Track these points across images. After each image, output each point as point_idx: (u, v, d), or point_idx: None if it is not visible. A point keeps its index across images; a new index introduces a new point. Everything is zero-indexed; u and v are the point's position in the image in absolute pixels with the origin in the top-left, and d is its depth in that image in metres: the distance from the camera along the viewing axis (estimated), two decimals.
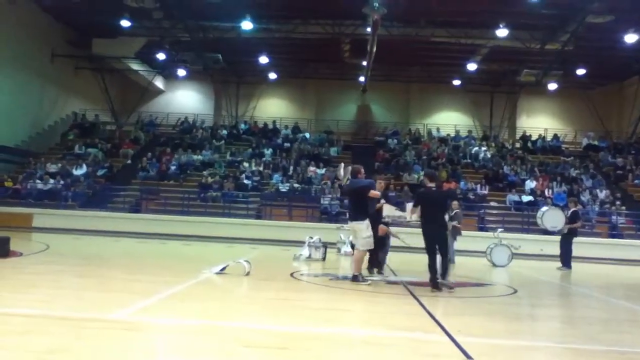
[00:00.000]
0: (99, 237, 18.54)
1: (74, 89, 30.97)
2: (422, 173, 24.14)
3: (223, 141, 29.52)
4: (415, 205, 9.17)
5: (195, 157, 27.36)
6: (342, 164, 10.19)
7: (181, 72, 32.04)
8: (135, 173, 25.99)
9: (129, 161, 27.56)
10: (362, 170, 9.75)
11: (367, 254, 9.77)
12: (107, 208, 23.03)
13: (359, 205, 9.27)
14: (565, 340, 5.83)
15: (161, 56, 29.09)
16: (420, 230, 9.05)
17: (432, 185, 9.41)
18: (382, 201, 9.82)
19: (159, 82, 34.22)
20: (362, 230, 9.18)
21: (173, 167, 26.30)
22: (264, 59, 29.66)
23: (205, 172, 25.67)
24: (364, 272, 9.82)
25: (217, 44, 27.64)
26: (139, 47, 28.66)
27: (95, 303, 6.30)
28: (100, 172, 25.85)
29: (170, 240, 18.63)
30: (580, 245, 15.96)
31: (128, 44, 28.24)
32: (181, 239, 19.22)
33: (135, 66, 31.36)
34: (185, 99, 34.93)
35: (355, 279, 9.13)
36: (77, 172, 25.24)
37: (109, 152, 28.08)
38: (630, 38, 23.03)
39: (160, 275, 9.27)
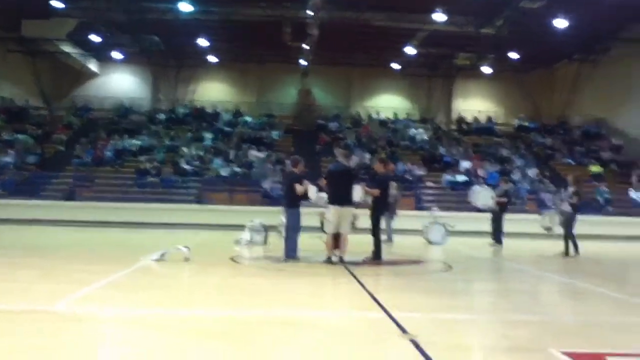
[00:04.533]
0: (31, 227, 17.89)
1: (3, 74, 29.42)
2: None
3: (161, 126, 28.90)
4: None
5: (132, 142, 26.67)
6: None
7: (117, 55, 31.02)
8: (69, 159, 25.12)
9: (62, 147, 26.57)
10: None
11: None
12: (40, 196, 22.18)
13: (349, 190, 9.65)
14: (497, 312, 6.14)
15: (95, 38, 28.02)
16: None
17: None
18: (306, 182, 9.99)
19: (93, 65, 32.97)
20: (350, 214, 9.66)
21: (109, 153, 25.56)
22: (203, 42, 29.05)
23: (142, 158, 25.08)
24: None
25: (155, 26, 26.85)
26: (71, 28, 27.46)
27: (31, 294, 6.13)
28: (30, 159, 24.83)
29: (107, 228, 18.21)
30: (511, 222, 16.64)
31: (60, 26, 26.98)
32: (119, 226, 18.81)
33: (67, 49, 30.07)
34: (121, 83, 33.79)
35: (342, 259, 9.52)
36: (4, 159, 24.11)
37: (40, 138, 26.96)
38: (559, 23, 23.91)
39: (99, 264, 9.09)
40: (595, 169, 26.07)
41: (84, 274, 7.70)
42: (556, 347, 4.14)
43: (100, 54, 32.02)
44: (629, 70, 27.60)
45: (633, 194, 24.02)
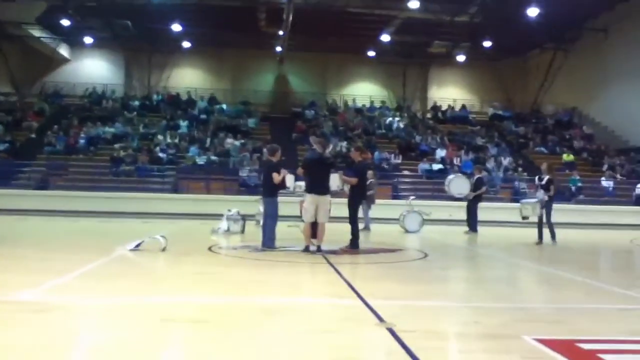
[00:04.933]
0: (3, 216, 17.54)
1: None
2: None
3: (135, 113, 28.51)
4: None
5: (105, 129, 26.26)
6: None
7: (88, 40, 30.42)
8: (41, 147, 24.64)
9: (33, 135, 26.04)
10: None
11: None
12: (11, 185, 21.74)
13: (326, 179, 9.66)
14: (472, 299, 6.23)
15: (65, 22, 27.39)
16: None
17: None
18: (284, 171, 10.00)
19: (64, 50, 32.31)
20: (327, 203, 9.61)
21: (82, 141, 25.14)
22: (177, 27, 28.65)
23: (116, 146, 24.73)
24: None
25: (127, 10, 26.38)
26: (40, 11, 26.80)
27: (4, 284, 6.03)
28: (0, 147, 24.30)
29: (81, 218, 17.96)
30: (486, 210, 16.90)
31: (29, 9, 26.29)
32: (93, 215, 18.55)
33: (37, 33, 29.38)
34: (93, 68, 33.17)
35: (319, 249, 9.54)
36: None
37: (10, 126, 26.36)
38: (532, 12, 24.22)
39: (72, 254, 8.97)
40: (568, 157, 26.53)
41: (59, 264, 7.61)
42: (529, 334, 4.23)
43: (71, 38, 31.40)
44: (599, 59, 28.10)
45: (605, 182, 24.52)
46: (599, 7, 25.98)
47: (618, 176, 25.12)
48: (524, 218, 13.05)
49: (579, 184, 24.05)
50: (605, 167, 25.74)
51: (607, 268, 10.55)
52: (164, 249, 9.19)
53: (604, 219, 20.84)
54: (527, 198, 12.79)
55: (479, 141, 27.95)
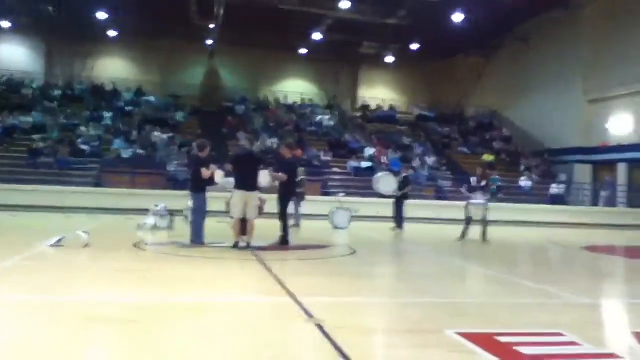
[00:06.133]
0: None
1: None
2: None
3: (56, 102, 27.22)
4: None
5: (23, 119, 24.92)
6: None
7: (5, 24, 28.74)
8: None
9: None
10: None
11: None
12: None
13: (255, 175, 9.71)
14: (399, 295, 6.43)
15: None
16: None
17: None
18: (214, 167, 9.94)
19: None
20: (256, 199, 9.69)
21: None
22: (102, 15, 27.56)
23: (35, 137, 23.52)
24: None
25: None
26: None
27: None
28: None
29: None
30: (411, 207, 17.37)
31: None
32: (10, 209, 17.57)
33: None
34: (10, 54, 31.28)
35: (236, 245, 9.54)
36: None
37: None
38: (457, 17, 25.14)
39: None
40: (488, 158, 27.62)
41: None
42: (451, 328, 4.42)
43: None
44: (520, 67, 29.61)
45: (524, 182, 25.78)
46: (521, 17, 27.28)
47: (534, 176, 26.50)
48: (467, 219, 13.24)
49: (498, 184, 25.14)
50: (522, 167, 27.07)
51: (525, 264, 11.10)
52: (86, 245, 8.87)
53: (522, 217, 21.89)
54: (476, 200, 13.07)
55: (406, 140, 28.68)
